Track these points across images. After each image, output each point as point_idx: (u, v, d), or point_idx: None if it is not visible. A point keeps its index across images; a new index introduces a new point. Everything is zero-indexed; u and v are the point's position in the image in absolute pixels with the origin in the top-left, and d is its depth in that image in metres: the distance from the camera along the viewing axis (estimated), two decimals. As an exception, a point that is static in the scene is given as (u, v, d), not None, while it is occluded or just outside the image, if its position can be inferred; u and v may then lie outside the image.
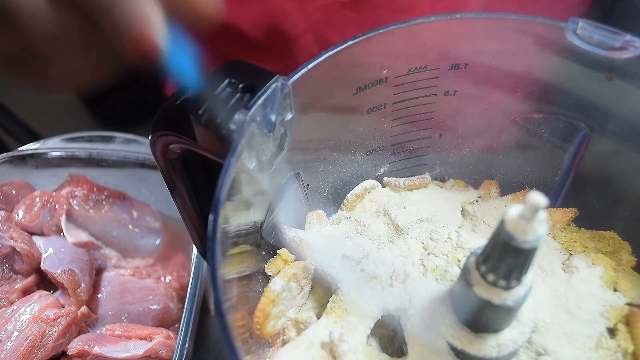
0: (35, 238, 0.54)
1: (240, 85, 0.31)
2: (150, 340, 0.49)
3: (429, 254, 0.37)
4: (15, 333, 0.46)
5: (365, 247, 0.39)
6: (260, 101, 0.30)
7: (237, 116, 0.30)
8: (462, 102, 0.42)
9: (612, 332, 0.34)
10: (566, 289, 0.35)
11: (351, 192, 0.44)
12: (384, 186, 0.46)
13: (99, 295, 0.53)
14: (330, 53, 0.34)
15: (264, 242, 0.39)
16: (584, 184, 0.42)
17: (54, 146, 0.62)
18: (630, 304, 0.35)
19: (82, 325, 0.50)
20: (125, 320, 0.53)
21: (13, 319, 0.47)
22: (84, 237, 0.57)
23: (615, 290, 0.35)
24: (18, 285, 0.51)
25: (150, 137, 0.35)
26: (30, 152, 0.59)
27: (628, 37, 0.33)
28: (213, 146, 0.31)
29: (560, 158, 0.42)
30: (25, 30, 0.26)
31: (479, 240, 0.38)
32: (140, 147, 0.62)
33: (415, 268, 0.36)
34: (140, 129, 0.64)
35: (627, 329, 0.34)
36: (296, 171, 0.39)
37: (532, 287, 0.30)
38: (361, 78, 0.38)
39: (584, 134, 0.40)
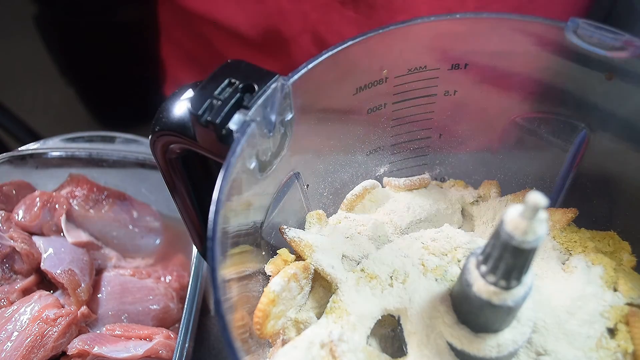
0: (35, 238, 0.54)
1: (240, 85, 0.31)
2: (150, 340, 0.49)
3: (429, 254, 0.37)
4: (15, 333, 0.46)
5: (365, 247, 0.39)
6: (260, 101, 0.30)
7: (237, 116, 0.30)
8: (462, 102, 0.42)
9: (612, 332, 0.34)
10: (566, 289, 0.35)
11: (351, 192, 0.44)
12: (384, 186, 0.46)
13: (99, 295, 0.53)
14: (330, 53, 0.34)
15: (264, 242, 0.39)
16: (584, 184, 0.42)
17: (54, 146, 0.62)
18: (630, 304, 0.35)
19: (82, 325, 0.50)
20: (125, 320, 0.53)
21: (13, 319, 0.47)
22: (84, 237, 0.57)
23: (615, 290, 0.35)
24: (18, 285, 0.51)
25: (150, 137, 0.35)
26: (30, 152, 0.59)
27: (628, 37, 0.33)
28: (213, 146, 0.31)
29: (560, 158, 0.42)
30: None
31: (479, 240, 0.38)
32: (140, 147, 0.62)
33: (415, 268, 0.36)
34: (140, 129, 0.64)
35: (627, 329, 0.34)
36: (296, 171, 0.39)
37: (532, 287, 0.30)
38: (361, 78, 0.38)
39: (584, 134, 0.40)
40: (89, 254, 0.55)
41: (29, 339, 0.46)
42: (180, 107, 0.33)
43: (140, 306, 0.53)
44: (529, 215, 0.25)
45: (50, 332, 0.46)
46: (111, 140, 0.63)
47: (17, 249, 0.51)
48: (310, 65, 0.33)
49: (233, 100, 0.30)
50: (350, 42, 0.34)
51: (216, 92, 0.30)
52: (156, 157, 0.37)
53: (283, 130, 0.33)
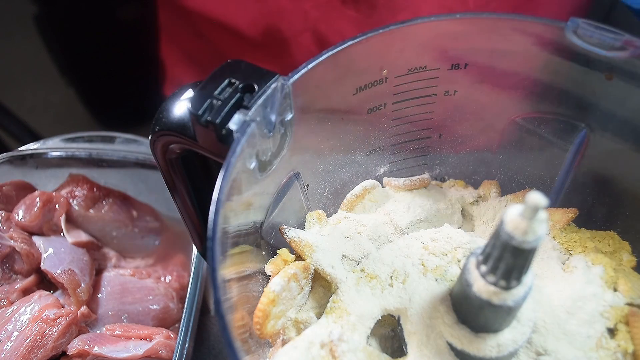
0: (35, 238, 0.54)
1: (240, 85, 0.31)
2: (150, 340, 0.49)
3: (429, 254, 0.37)
4: (15, 333, 0.46)
5: (365, 247, 0.39)
6: (260, 101, 0.30)
7: (237, 116, 0.30)
8: (462, 102, 0.42)
9: (612, 332, 0.34)
10: (566, 289, 0.35)
11: (351, 192, 0.44)
12: (384, 186, 0.46)
13: (99, 295, 0.53)
14: (330, 53, 0.34)
15: (264, 242, 0.39)
16: (584, 184, 0.42)
17: (54, 146, 0.62)
18: (630, 304, 0.35)
19: (82, 325, 0.50)
20: (125, 320, 0.53)
21: (13, 319, 0.47)
22: (84, 237, 0.57)
23: (615, 290, 0.35)
24: (18, 285, 0.51)
25: (150, 137, 0.35)
26: (30, 152, 0.59)
27: (628, 37, 0.33)
28: (213, 146, 0.31)
29: (560, 158, 0.42)
30: None
31: (479, 240, 0.38)
32: (140, 147, 0.62)
33: (415, 268, 0.36)
34: (140, 129, 0.64)
35: (627, 329, 0.34)
36: (296, 171, 0.39)
37: (532, 287, 0.30)
38: (361, 78, 0.38)
39: (584, 134, 0.40)
40: (89, 254, 0.55)
41: (29, 339, 0.46)
42: (180, 107, 0.33)
43: (140, 306, 0.53)
44: (529, 215, 0.25)
45: (50, 332, 0.46)
46: (111, 140, 0.63)
47: (17, 249, 0.51)
48: (310, 65, 0.33)
49: (233, 100, 0.30)
50: (350, 42, 0.34)
51: (216, 92, 0.30)
52: (156, 157, 0.37)
53: (283, 130, 0.33)
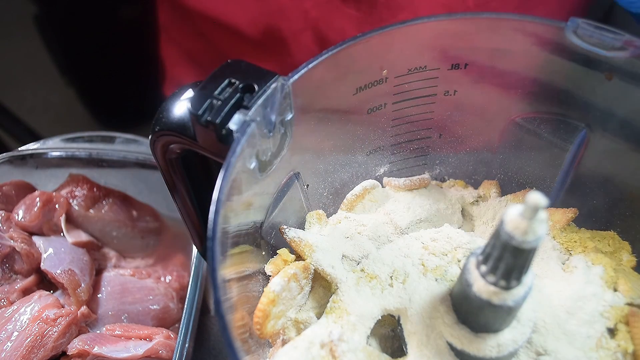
0: (35, 238, 0.54)
1: (240, 85, 0.31)
2: (150, 340, 0.49)
3: (429, 254, 0.37)
4: (15, 333, 0.46)
5: (365, 247, 0.39)
6: (260, 101, 0.30)
7: (237, 116, 0.30)
8: (462, 102, 0.42)
9: (612, 332, 0.34)
10: (566, 289, 0.35)
11: (351, 192, 0.44)
12: (384, 186, 0.46)
13: (99, 295, 0.53)
14: (330, 53, 0.34)
15: (264, 242, 0.39)
16: (584, 184, 0.42)
17: (54, 146, 0.62)
18: (630, 304, 0.35)
19: (82, 325, 0.50)
20: (125, 320, 0.53)
21: (13, 319, 0.47)
22: (84, 237, 0.57)
23: (615, 290, 0.35)
24: (18, 285, 0.51)
25: (150, 137, 0.35)
26: (30, 152, 0.59)
27: (628, 37, 0.33)
28: (213, 146, 0.31)
29: (560, 158, 0.42)
30: None
31: (479, 240, 0.38)
32: (140, 147, 0.62)
33: (415, 268, 0.36)
34: (140, 129, 0.64)
35: (627, 329, 0.34)
36: (296, 171, 0.39)
37: (532, 287, 0.30)
38: (361, 78, 0.38)
39: (584, 134, 0.40)
40: (89, 254, 0.55)
41: (29, 339, 0.46)
42: (180, 107, 0.33)
43: (140, 306, 0.53)
44: (529, 215, 0.25)
45: (50, 332, 0.46)
46: (111, 140, 0.63)
47: (17, 249, 0.51)
48: (310, 65, 0.33)
49: (233, 100, 0.30)
50: (350, 42, 0.34)
51: (216, 92, 0.30)
52: (156, 157, 0.37)
53: (283, 130, 0.33)
